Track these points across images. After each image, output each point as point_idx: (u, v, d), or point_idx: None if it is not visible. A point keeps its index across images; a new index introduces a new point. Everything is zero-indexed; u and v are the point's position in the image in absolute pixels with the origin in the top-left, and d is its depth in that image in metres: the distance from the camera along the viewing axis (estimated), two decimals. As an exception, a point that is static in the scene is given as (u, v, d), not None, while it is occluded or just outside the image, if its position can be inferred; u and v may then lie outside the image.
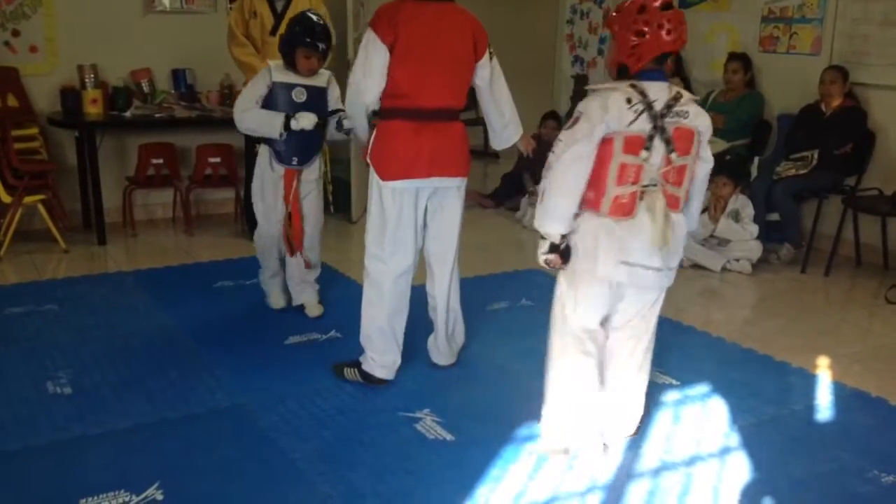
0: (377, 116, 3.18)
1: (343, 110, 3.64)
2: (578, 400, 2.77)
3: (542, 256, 2.64)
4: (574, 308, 2.69)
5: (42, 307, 4.15)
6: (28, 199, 5.05)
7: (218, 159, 5.73)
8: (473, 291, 4.21)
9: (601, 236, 2.54)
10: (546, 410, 2.85)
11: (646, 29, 2.46)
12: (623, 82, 2.52)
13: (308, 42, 3.71)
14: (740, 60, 5.64)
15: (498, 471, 2.74)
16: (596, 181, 2.52)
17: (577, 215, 2.58)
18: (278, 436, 2.94)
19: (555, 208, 2.55)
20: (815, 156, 5.09)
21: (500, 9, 7.97)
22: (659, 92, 2.50)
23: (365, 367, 3.33)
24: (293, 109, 3.74)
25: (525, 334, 3.92)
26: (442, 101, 3.13)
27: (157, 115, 5.53)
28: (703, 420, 3.14)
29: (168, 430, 2.97)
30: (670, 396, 3.32)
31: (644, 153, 2.47)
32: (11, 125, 5.24)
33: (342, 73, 4.17)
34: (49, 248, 5.19)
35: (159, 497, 2.55)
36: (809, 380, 3.52)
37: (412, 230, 3.22)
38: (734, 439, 2.97)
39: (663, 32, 2.46)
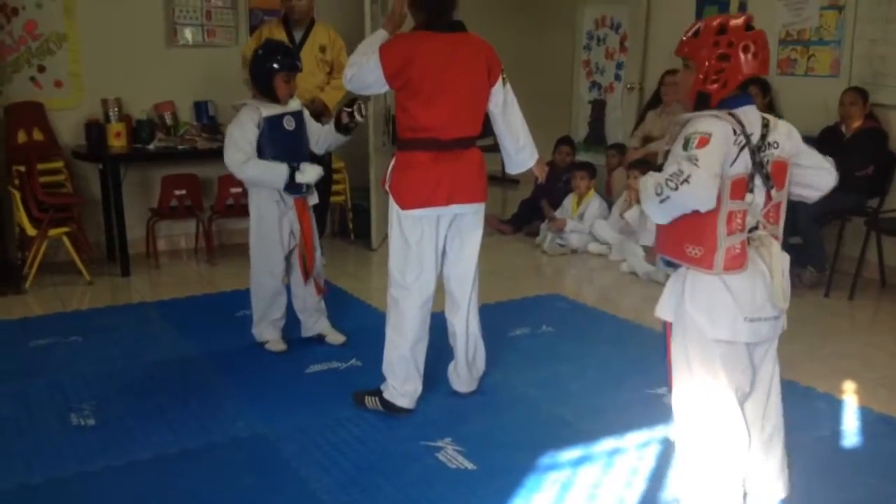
0: (395, 147, 3.22)
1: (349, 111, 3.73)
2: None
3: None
4: (711, 385, 2.36)
5: (67, 339, 4.19)
6: (53, 232, 5.12)
7: (239, 189, 5.77)
8: (494, 318, 4.20)
9: (721, 294, 2.28)
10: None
11: (728, 51, 2.24)
12: (719, 111, 2.25)
13: (289, 63, 3.74)
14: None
15: (520, 500, 2.72)
16: (700, 235, 2.24)
17: (679, 274, 2.36)
18: (299, 465, 2.94)
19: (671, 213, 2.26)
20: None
21: (517, 35, 8.03)
22: (752, 120, 2.27)
23: (386, 395, 3.33)
24: (286, 140, 3.74)
25: (546, 361, 3.91)
26: (460, 130, 3.16)
27: (179, 147, 5.61)
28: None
29: (190, 461, 2.98)
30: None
31: (749, 196, 2.24)
32: (37, 159, 5.33)
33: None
34: (74, 279, 5.25)
35: (181, 528, 2.55)
36: (836, 405, 3.47)
37: (433, 257, 3.23)
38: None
39: (749, 55, 2.24)
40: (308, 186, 3.84)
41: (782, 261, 2.32)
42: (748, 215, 2.27)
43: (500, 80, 3.23)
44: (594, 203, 6.14)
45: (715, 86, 2.27)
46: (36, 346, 4.10)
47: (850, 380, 3.72)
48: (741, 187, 2.24)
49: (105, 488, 2.80)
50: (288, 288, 4.03)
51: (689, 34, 2.34)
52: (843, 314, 4.72)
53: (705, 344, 2.34)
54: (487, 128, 3.36)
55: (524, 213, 6.67)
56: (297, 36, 5.30)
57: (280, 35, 5.17)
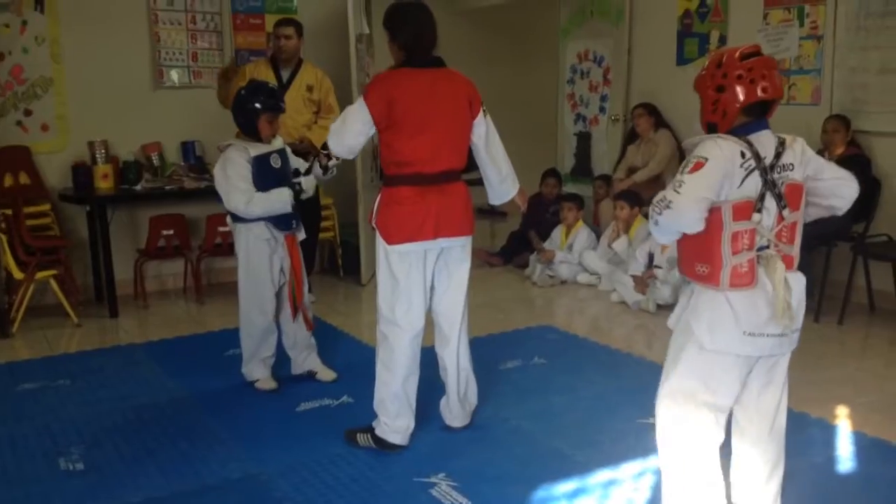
0: (382, 182, 3.23)
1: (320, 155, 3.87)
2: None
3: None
4: (705, 392, 2.42)
5: (55, 382, 4.15)
6: (40, 275, 5.09)
7: (227, 228, 5.77)
8: (485, 350, 4.20)
9: (722, 308, 2.34)
10: None
11: (723, 82, 2.32)
12: (725, 135, 2.32)
13: (272, 104, 3.77)
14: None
15: (516, 535, 2.69)
16: (707, 254, 2.32)
17: (689, 289, 2.42)
18: (292, 506, 2.90)
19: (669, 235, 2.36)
20: (822, 204, 5.09)
21: (502, 70, 8.11)
22: (766, 143, 2.32)
23: (378, 432, 3.30)
24: (275, 178, 3.77)
25: (539, 393, 3.90)
26: (444, 164, 3.18)
27: (167, 188, 5.62)
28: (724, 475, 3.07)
29: (181, 503, 2.94)
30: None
31: (756, 216, 2.29)
32: (23, 202, 5.32)
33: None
34: (61, 322, 5.21)
35: (173, 573, 2.51)
36: (829, 430, 3.46)
37: (421, 292, 3.23)
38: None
39: (746, 83, 2.29)
40: (297, 222, 3.86)
41: (797, 281, 2.38)
42: (756, 235, 2.31)
43: (481, 113, 3.26)
44: (583, 234, 6.17)
45: (716, 115, 2.35)
46: (23, 390, 4.06)
47: (843, 405, 3.71)
48: (746, 210, 2.29)
49: (94, 534, 2.75)
50: (277, 325, 4.01)
51: (702, 69, 2.44)
52: (834, 339, 4.73)
53: (701, 355, 2.39)
54: (472, 162, 3.39)
55: (513, 246, 6.69)
56: (285, 75, 5.35)
57: (267, 74, 5.21)
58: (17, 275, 4.98)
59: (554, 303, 5.73)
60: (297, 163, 3.98)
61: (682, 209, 2.24)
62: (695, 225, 2.27)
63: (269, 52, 5.38)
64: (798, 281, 2.40)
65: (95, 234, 5.56)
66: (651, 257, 5.44)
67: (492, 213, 7.95)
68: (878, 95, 5.17)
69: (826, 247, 5.09)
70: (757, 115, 2.36)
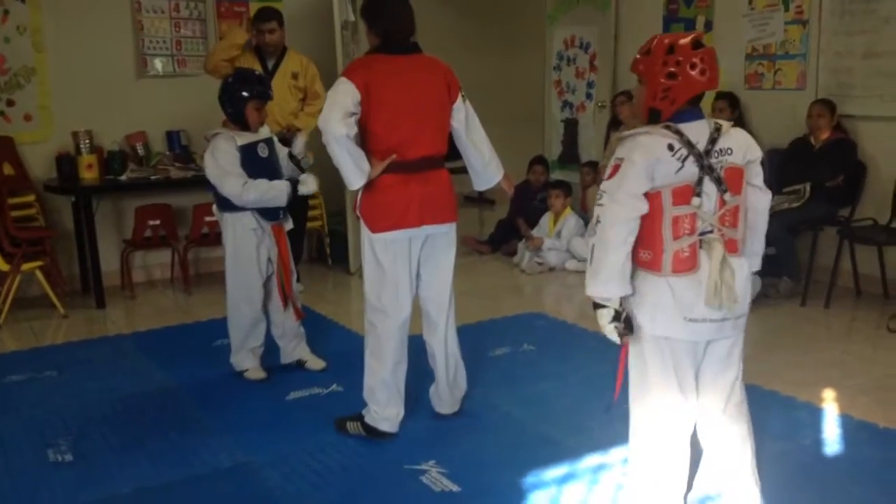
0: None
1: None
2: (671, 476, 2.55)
3: (608, 327, 2.40)
4: (655, 382, 2.45)
5: (42, 374, 4.13)
6: (26, 266, 5.06)
7: (214, 218, 5.75)
8: (474, 338, 4.20)
9: (664, 294, 2.36)
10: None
11: (676, 70, 2.31)
12: (656, 126, 2.35)
13: (260, 91, 3.75)
14: (726, 99, 5.70)
15: (506, 520, 2.70)
16: (650, 239, 2.35)
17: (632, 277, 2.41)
18: (282, 495, 2.90)
19: (609, 267, 2.34)
20: (808, 188, 5.13)
21: (489, 57, 8.10)
22: (699, 131, 2.34)
23: (368, 420, 3.30)
24: (263, 167, 3.75)
25: (528, 379, 3.90)
26: (425, 149, 3.16)
27: (152, 178, 5.57)
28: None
29: (171, 493, 2.93)
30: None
31: (696, 200, 2.31)
32: (7, 193, 5.28)
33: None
34: (48, 313, 5.18)
35: (163, 563, 2.51)
36: (816, 414, 3.49)
37: (407, 279, 3.23)
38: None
39: (696, 72, 2.30)
40: (284, 212, 3.84)
41: (740, 266, 2.39)
42: (698, 219, 2.33)
43: (459, 97, 3.25)
44: (571, 221, 6.17)
45: (665, 102, 2.34)
46: (10, 381, 4.04)
47: (830, 388, 3.74)
48: (685, 194, 2.31)
49: (84, 525, 2.75)
50: (266, 315, 4.00)
51: (642, 52, 2.42)
52: (820, 323, 4.76)
53: (647, 340, 2.43)
54: (456, 151, 3.37)
55: (501, 233, 6.69)
56: (270, 64, 5.32)
57: (252, 62, 5.17)
58: (3, 266, 4.94)
59: (542, 290, 5.74)
60: (283, 152, 3.96)
61: (611, 219, 2.32)
62: (632, 223, 2.32)
63: (253, 42, 5.32)
64: (742, 266, 2.41)
65: (81, 224, 5.53)
66: (639, 243, 5.44)
67: (480, 200, 7.97)
68: (864, 80, 5.19)
69: (812, 231, 5.12)
70: (693, 103, 2.37)
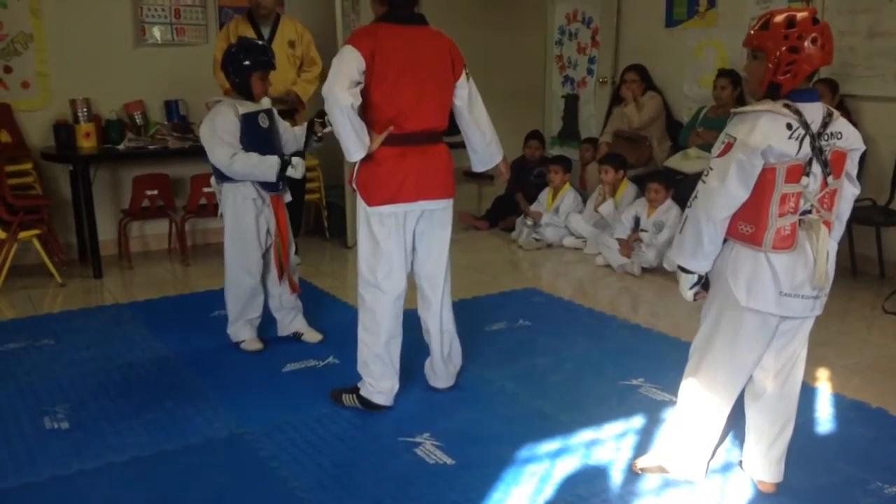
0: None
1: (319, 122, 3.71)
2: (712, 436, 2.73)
3: (690, 291, 2.53)
4: (729, 348, 2.55)
5: (39, 342, 4.14)
6: (23, 235, 5.05)
7: (212, 189, 5.74)
8: (470, 313, 4.22)
9: (762, 269, 2.40)
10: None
11: (797, 44, 2.31)
12: (775, 103, 2.35)
13: (265, 61, 3.72)
14: (729, 77, 5.67)
15: (499, 494, 2.72)
16: (755, 214, 2.37)
17: (727, 247, 2.47)
18: (278, 465, 2.92)
19: (701, 244, 2.41)
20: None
21: (489, 32, 8.04)
22: (814, 112, 2.36)
23: (363, 392, 3.32)
24: (263, 138, 3.73)
25: (524, 355, 3.92)
26: (425, 122, 3.14)
27: (150, 147, 5.55)
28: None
29: (166, 462, 2.95)
30: (670, 414, 3.30)
31: (805, 179, 2.34)
32: (5, 161, 5.25)
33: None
34: (45, 282, 5.18)
35: (158, 530, 2.53)
36: (809, 393, 3.51)
37: (402, 254, 3.22)
38: (735, 454, 2.95)
39: (817, 46, 2.32)
40: (283, 183, 3.83)
41: (832, 248, 2.46)
42: (801, 199, 2.37)
43: (463, 75, 3.23)
44: (569, 197, 6.16)
45: (786, 76, 2.35)
46: (7, 349, 4.05)
47: (824, 367, 3.76)
48: (797, 172, 2.34)
49: (80, 491, 2.76)
50: (263, 287, 4.00)
51: (758, 26, 2.42)
52: (816, 303, 4.77)
53: (737, 312, 2.48)
54: (455, 126, 3.35)
55: (499, 209, 6.69)
56: (265, 32, 5.27)
57: (247, 31, 5.13)
58: (0, 234, 4.93)
59: (539, 266, 5.75)
60: (284, 132, 3.92)
61: (713, 199, 2.36)
62: (737, 202, 2.36)
63: (248, 7, 5.26)
64: (833, 247, 2.49)
65: (78, 193, 5.52)
66: (637, 221, 5.45)
67: (479, 175, 7.94)
68: (866, 59, 5.16)
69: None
70: (809, 79, 2.40)
